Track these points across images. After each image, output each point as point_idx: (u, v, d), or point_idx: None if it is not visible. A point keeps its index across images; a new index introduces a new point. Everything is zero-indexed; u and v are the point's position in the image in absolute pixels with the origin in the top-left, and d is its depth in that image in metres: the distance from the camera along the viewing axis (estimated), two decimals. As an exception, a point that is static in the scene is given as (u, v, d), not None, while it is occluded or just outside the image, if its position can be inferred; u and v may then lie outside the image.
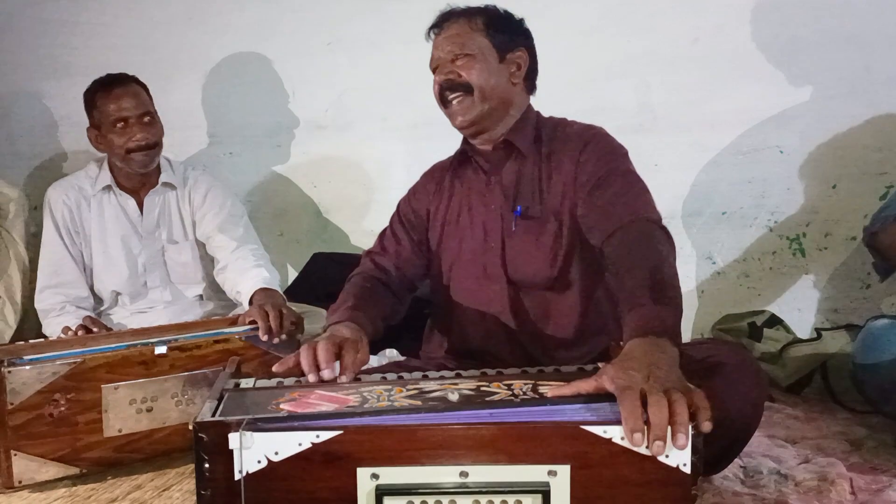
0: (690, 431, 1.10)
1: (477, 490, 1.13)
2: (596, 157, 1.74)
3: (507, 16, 1.86)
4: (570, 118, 1.88)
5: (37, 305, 2.37)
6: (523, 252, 1.79)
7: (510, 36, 1.83)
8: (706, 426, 1.11)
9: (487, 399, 1.27)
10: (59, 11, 2.94)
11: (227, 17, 2.92)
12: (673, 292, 1.39)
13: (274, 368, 1.51)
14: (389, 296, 1.88)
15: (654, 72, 2.71)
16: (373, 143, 2.95)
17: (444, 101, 1.83)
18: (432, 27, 1.88)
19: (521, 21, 1.88)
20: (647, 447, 1.11)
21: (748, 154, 2.73)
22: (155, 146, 2.37)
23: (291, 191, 3.03)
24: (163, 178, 2.45)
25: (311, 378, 1.43)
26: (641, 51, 2.69)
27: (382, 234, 2.01)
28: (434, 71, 1.86)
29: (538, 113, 1.89)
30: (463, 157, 1.92)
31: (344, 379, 1.43)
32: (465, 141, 1.90)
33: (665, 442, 1.10)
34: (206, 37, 2.93)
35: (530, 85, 1.89)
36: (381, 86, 2.91)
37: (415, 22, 2.83)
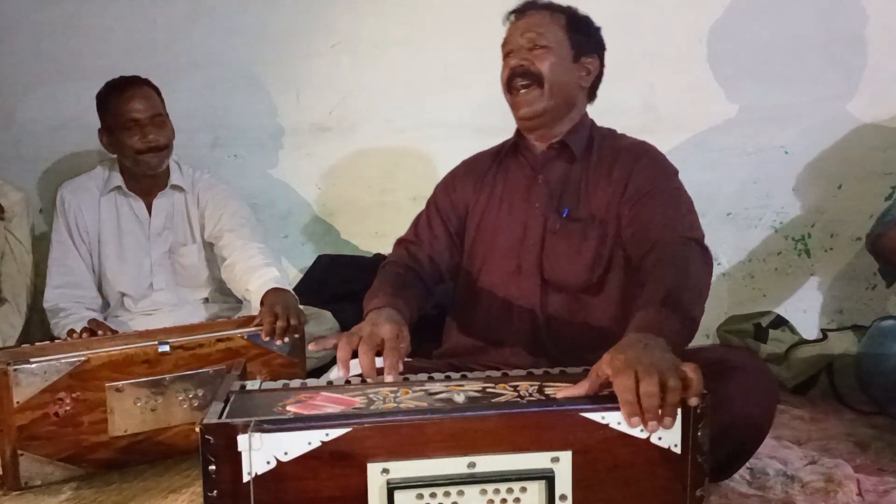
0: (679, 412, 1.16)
1: (484, 479, 1.16)
2: (647, 171, 1.75)
3: (588, 20, 1.87)
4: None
5: (45, 305, 2.38)
6: (564, 253, 1.79)
7: (587, 39, 1.85)
8: (693, 401, 1.16)
9: (493, 400, 1.27)
10: (62, 15, 2.93)
11: (231, 19, 2.92)
12: (687, 306, 1.40)
13: (310, 347, 1.56)
14: (422, 286, 1.87)
15: (659, 72, 2.71)
16: (377, 146, 2.95)
17: (510, 88, 1.82)
18: (514, 12, 1.87)
19: (598, 29, 1.89)
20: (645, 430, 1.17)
21: (753, 154, 2.72)
22: (165, 147, 2.39)
23: (296, 193, 3.03)
24: (172, 180, 2.47)
25: (342, 373, 1.44)
26: (646, 51, 2.69)
27: (417, 222, 1.99)
28: (506, 55, 1.84)
29: (592, 121, 1.90)
30: (513, 150, 1.91)
31: (389, 379, 1.42)
32: (517, 134, 1.90)
33: (657, 422, 1.15)
34: (210, 39, 2.93)
35: (592, 93, 1.90)
36: (386, 88, 2.91)
37: (419, 24, 2.87)
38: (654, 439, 1.17)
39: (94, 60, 2.91)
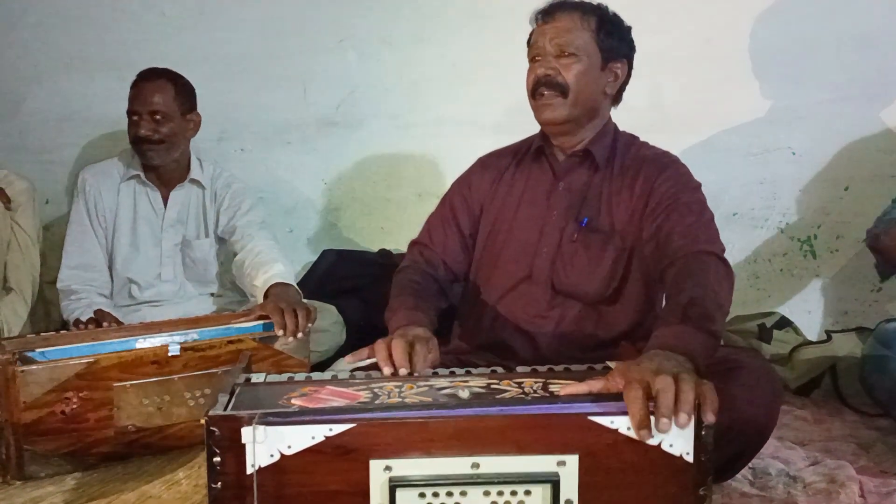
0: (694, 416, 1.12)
1: (488, 481, 1.15)
2: (671, 184, 1.72)
3: (619, 21, 1.81)
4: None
5: (59, 285, 2.40)
6: (579, 264, 1.77)
7: (617, 44, 1.79)
8: (709, 417, 1.12)
9: (498, 397, 1.27)
10: (70, 6, 2.94)
11: (239, 13, 2.92)
12: (708, 320, 1.38)
13: (346, 360, 1.55)
14: (438, 290, 1.86)
15: (666, 72, 2.70)
16: (383, 141, 2.95)
17: (534, 94, 1.78)
18: (541, 13, 1.80)
19: (629, 29, 1.83)
20: (656, 429, 1.13)
21: (759, 155, 2.72)
22: (160, 143, 2.39)
23: (301, 188, 3.03)
24: (191, 174, 2.50)
25: (386, 371, 1.43)
26: (653, 51, 2.65)
27: (431, 223, 1.96)
28: (532, 59, 1.80)
29: (615, 125, 1.87)
30: (536, 154, 1.87)
31: (416, 374, 1.42)
32: (542, 138, 1.86)
33: (670, 420, 1.11)
34: (218, 32, 2.93)
35: (617, 96, 1.86)
36: (393, 83, 2.91)
37: (426, 20, 2.87)
38: (665, 446, 1.14)
39: (101, 52, 2.92)
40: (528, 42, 1.84)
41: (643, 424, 1.12)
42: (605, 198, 1.78)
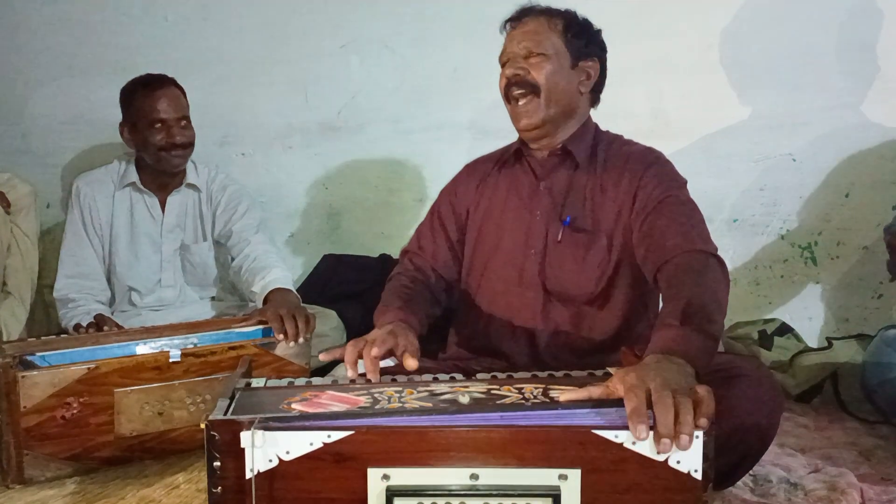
0: (696, 434, 1.11)
1: (487, 493, 1.14)
2: (657, 181, 1.72)
3: (586, 23, 1.84)
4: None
5: (55, 294, 2.38)
6: (567, 264, 1.77)
7: (586, 43, 1.81)
8: (702, 422, 1.11)
9: (498, 402, 1.27)
10: (73, 10, 2.95)
11: (241, 18, 2.93)
12: (707, 321, 1.38)
13: (320, 357, 1.58)
14: (430, 296, 1.87)
15: (668, 78, 2.70)
16: (385, 146, 2.95)
17: (509, 98, 1.80)
18: (510, 20, 1.84)
19: (598, 31, 1.85)
20: (656, 451, 1.11)
21: (760, 162, 2.72)
22: (189, 147, 2.40)
23: (303, 192, 3.03)
24: (188, 179, 2.49)
25: (349, 374, 1.47)
26: (655, 57, 2.69)
27: (420, 231, 1.98)
28: (504, 65, 1.82)
29: (596, 125, 1.88)
30: (516, 156, 1.89)
31: (374, 351, 1.46)
32: (521, 140, 1.88)
33: (671, 441, 1.10)
34: (220, 37, 2.93)
35: (595, 97, 1.87)
36: (394, 88, 2.91)
37: (428, 24, 2.87)
38: (672, 462, 1.12)
39: (104, 56, 2.93)
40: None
41: (642, 420, 1.10)
42: (588, 196, 1.78)
